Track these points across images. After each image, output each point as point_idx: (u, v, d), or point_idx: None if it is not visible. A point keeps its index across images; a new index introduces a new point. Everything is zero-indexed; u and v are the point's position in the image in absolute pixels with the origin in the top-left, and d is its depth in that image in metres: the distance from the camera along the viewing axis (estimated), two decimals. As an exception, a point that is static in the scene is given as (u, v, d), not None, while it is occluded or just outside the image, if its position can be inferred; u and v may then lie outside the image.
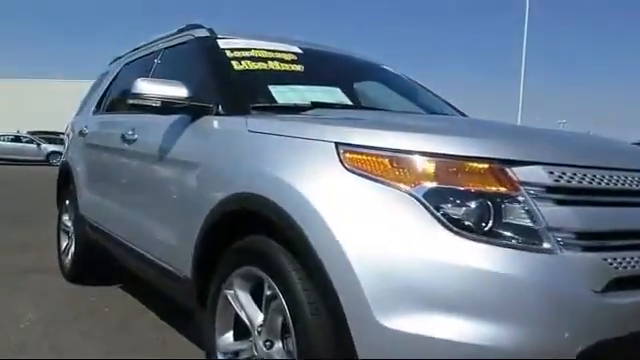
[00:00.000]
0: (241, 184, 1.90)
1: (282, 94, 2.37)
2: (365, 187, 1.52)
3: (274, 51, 2.77)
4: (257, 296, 1.86)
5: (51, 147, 27.11)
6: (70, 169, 3.98)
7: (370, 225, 1.47)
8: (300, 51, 2.86)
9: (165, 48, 3.20)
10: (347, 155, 1.59)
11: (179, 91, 2.35)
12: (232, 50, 2.66)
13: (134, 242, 2.78)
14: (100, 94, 4.01)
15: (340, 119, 1.99)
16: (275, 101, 2.33)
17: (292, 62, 2.71)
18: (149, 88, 2.32)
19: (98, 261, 3.87)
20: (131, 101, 2.36)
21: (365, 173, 1.54)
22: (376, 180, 1.51)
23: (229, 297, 1.94)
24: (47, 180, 6.24)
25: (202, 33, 2.88)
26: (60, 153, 26.20)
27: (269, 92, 2.38)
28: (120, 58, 4.33)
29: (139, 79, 2.37)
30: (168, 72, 3.10)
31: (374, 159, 1.54)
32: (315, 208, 1.56)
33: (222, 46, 2.70)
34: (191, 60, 2.80)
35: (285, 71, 2.64)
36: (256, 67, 2.57)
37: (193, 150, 2.28)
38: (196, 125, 2.33)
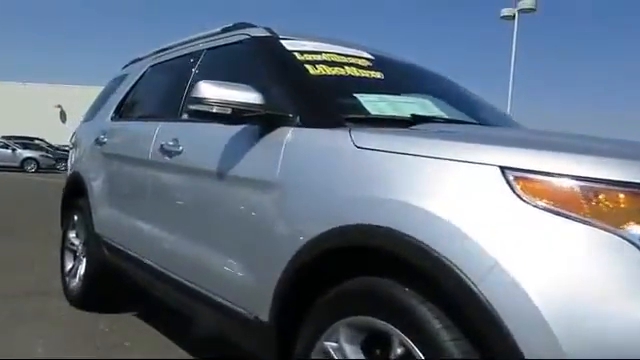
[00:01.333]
0: (355, 213, 1.54)
1: (373, 104, 2.03)
2: (555, 224, 1.18)
3: (346, 55, 2.43)
4: (368, 349, 1.51)
5: (26, 153, 26.18)
6: (82, 182, 3.55)
7: (573, 274, 1.13)
8: (372, 57, 2.53)
9: (208, 49, 2.83)
10: (523, 183, 1.25)
11: (252, 97, 1.99)
12: (301, 53, 2.31)
13: (177, 272, 2.38)
14: (119, 99, 3.60)
15: (491, 137, 1.65)
16: (367, 112, 1.98)
17: (369, 68, 2.37)
18: (216, 92, 1.95)
19: (113, 286, 3.44)
20: (193, 107, 1.99)
21: (553, 207, 1.20)
22: (570, 217, 1.18)
23: (331, 351, 1.57)
24: (26, 187, 5.77)
25: (260, 32, 2.53)
26: (35, 159, 25.13)
27: (358, 101, 2.03)
28: (140, 60, 3.94)
29: (202, 82, 2.00)
30: (216, 75, 2.72)
31: (566, 190, 1.21)
32: (483, 248, 1.22)
33: (289, 48, 2.35)
34: (249, 62, 2.44)
35: (366, 78, 2.30)
36: (334, 72, 2.22)
37: (268, 167, 1.91)
38: (271, 137, 1.97)
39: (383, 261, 1.46)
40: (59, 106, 47.47)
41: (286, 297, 1.73)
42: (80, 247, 3.69)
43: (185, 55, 3.05)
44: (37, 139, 30.29)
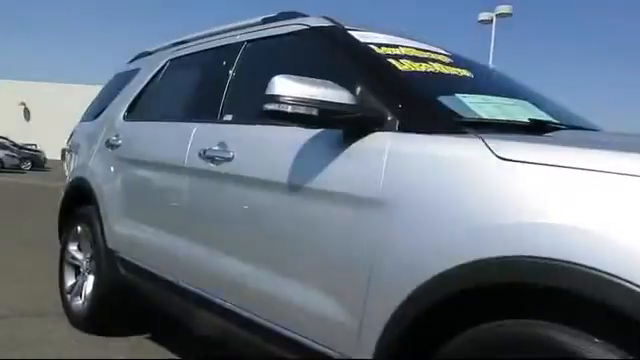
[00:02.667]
0: (502, 242, 1.24)
1: (478, 106, 1.72)
2: None
3: (424, 50, 2.13)
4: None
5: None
6: (90, 189, 3.14)
7: None
8: (449, 52, 2.24)
9: (249, 41, 2.48)
10: None
11: (342, 96, 1.66)
12: (378, 46, 2.00)
13: (229, 299, 2.02)
14: (132, 96, 3.20)
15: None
16: (477, 115, 1.68)
17: (453, 65, 2.07)
18: (298, 90, 1.62)
19: (126, 309, 3.05)
20: (270, 107, 1.65)
21: None
22: None
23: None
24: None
25: (321, 22, 2.20)
26: (-1, 160, 23.78)
27: (462, 102, 1.72)
28: (149, 54, 3.55)
29: (280, 77, 1.66)
30: (265, 71, 2.38)
31: None
32: None
33: (362, 40, 2.03)
34: (311, 56, 2.12)
35: (456, 76, 2.01)
36: (423, 69, 1.91)
37: (365, 181, 1.58)
38: (364, 144, 1.64)
39: (532, 300, 1.18)
40: (23, 103, 45.77)
41: (400, 343, 1.41)
42: (85, 262, 3.28)
43: (217, 48, 2.69)
44: (0, 137, 28.97)
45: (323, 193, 1.70)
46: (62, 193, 3.81)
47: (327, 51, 2.05)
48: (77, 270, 3.38)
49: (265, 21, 2.53)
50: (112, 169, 3.01)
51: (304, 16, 2.38)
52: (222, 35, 2.75)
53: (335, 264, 1.63)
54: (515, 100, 1.96)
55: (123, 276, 2.84)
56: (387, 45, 2.03)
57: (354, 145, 1.67)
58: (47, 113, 42.30)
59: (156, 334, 3.20)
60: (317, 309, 1.66)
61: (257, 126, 2.09)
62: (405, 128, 1.60)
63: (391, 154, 1.56)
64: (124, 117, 3.16)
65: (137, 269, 2.69)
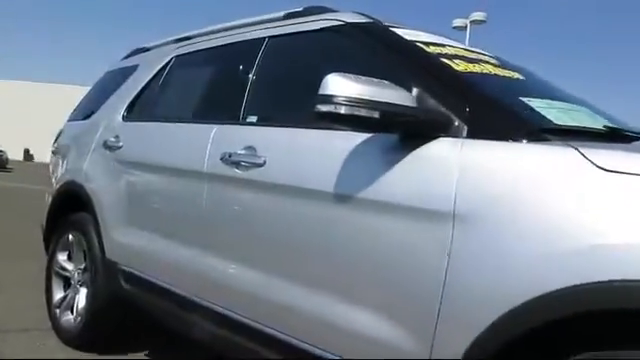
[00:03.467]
0: (610, 265, 1.10)
1: (546, 111, 1.58)
2: None
3: (471, 50, 1.99)
4: None
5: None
6: (85, 195, 2.88)
7: None
8: (490, 54, 2.10)
9: (272, 37, 2.29)
10: None
11: (404, 97, 1.50)
12: (426, 44, 1.85)
13: (267, 321, 1.82)
14: (132, 95, 2.96)
15: None
16: (549, 121, 1.54)
17: (502, 67, 1.94)
18: (356, 90, 1.45)
19: (124, 324, 2.82)
20: (324, 108, 1.47)
21: None
22: None
23: None
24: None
25: (357, 18, 2.03)
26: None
27: (531, 107, 1.58)
28: (147, 50, 3.32)
29: (333, 75, 1.49)
30: (294, 69, 2.21)
31: None
32: None
33: (408, 38, 1.88)
34: (348, 54, 1.96)
35: (510, 78, 1.87)
36: (478, 70, 1.77)
37: (433, 192, 1.42)
38: (428, 151, 1.48)
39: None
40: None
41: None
42: (77, 274, 3.02)
43: (233, 45, 2.49)
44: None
45: (381, 205, 1.53)
46: (48, 198, 3.54)
47: (370, 49, 1.89)
48: (67, 282, 3.12)
49: (288, 16, 2.35)
50: (112, 173, 2.77)
51: (332, 11, 2.21)
52: (237, 31, 2.55)
53: (396, 285, 1.47)
54: (574, 105, 1.83)
55: (124, 289, 2.60)
56: (434, 44, 1.88)
57: (416, 152, 1.50)
58: (8, 112, 40.85)
59: (155, 351, 2.97)
60: (373, 334, 1.49)
61: (294, 129, 1.91)
62: (475, 134, 1.45)
63: (465, 163, 1.40)
64: (123, 117, 2.92)
65: (142, 282, 2.46)
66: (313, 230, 1.73)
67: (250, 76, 2.24)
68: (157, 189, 2.50)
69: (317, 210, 1.71)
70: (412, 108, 1.50)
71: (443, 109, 1.52)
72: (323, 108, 1.47)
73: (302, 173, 1.79)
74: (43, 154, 31.02)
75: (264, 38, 2.32)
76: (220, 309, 2.01)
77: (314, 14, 2.23)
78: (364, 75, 1.56)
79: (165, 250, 2.34)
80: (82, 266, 2.99)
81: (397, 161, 1.53)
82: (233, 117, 2.20)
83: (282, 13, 2.39)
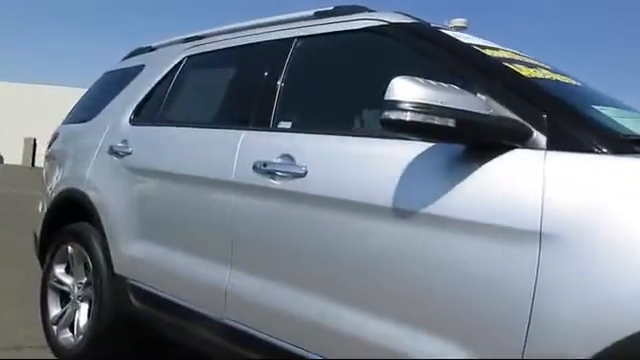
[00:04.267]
0: None
1: (621, 120, 1.47)
2: None
3: (522, 54, 1.88)
4: None
5: None
6: (89, 204, 2.67)
7: None
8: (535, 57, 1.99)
9: (301, 37, 2.13)
10: None
11: (476, 104, 1.37)
12: (482, 47, 1.73)
13: (310, 346, 1.66)
14: (140, 97, 2.76)
15: None
16: (628, 130, 1.42)
17: (556, 72, 1.82)
18: (427, 95, 1.32)
19: (133, 344, 2.63)
20: (393, 116, 1.33)
21: None
22: None
23: None
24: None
25: (400, 18, 1.90)
26: None
27: (605, 116, 1.47)
28: (152, 50, 3.13)
29: (400, 78, 1.35)
30: (337, 71, 2.06)
31: None
32: None
33: (464, 41, 1.75)
34: (399, 56, 1.83)
35: (572, 85, 1.76)
36: (541, 75, 1.65)
37: (520, 209, 1.28)
38: (508, 164, 1.35)
39: None
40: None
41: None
42: (76, 288, 2.80)
43: (257, 45, 2.33)
44: None
45: (452, 222, 1.40)
46: (42, 205, 3.31)
47: (422, 51, 1.75)
48: (64, 297, 2.90)
49: (318, 15, 2.20)
50: (120, 181, 2.57)
51: (367, 10, 2.08)
52: (258, 30, 2.39)
53: (473, 310, 1.33)
54: (634, 112, 1.73)
55: (133, 306, 2.41)
56: (490, 47, 1.76)
57: (491, 164, 1.37)
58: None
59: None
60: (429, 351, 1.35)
61: (338, 136, 1.76)
62: (556, 146, 1.33)
63: (551, 177, 1.27)
64: (130, 121, 2.73)
65: (156, 299, 2.28)
66: (366, 249, 1.58)
67: (279, 79, 2.08)
68: (174, 199, 2.31)
69: (373, 227, 1.57)
70: (487, 116, 1.37)
71: (518, 118, 1.40)
72: (392, 115, 1.33)
73: (352, 185, 1.63)
74: (13, 156, 30.10)
75: (292, 38, 2.16)
76: (252, 331, 1.85)
77: (347, 13, 2.09)
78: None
79: (184, 265, 2.16)
80: (83, 280, 2.78)
81: (467, 174, 1.40)
82: (262, 122, 2.04)
83: (311, 12, 2.24)
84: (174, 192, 2.31)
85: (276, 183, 1.83)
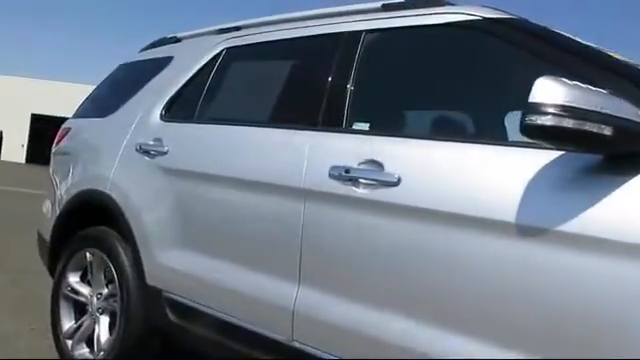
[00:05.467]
0: None
1: None
2: None
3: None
4: None
5: None
6: (117, 207, 2.41)
7: None
8: None
9: (370, 31, 1.95)
10: None
11: (629, 110, 1.22)
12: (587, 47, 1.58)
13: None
14: (172, 91, 2.52)
15: None
16: None
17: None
18: (585, 99, 1.16)
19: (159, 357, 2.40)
20: (540, 121, 1.16)
21: None
22: None
23: None
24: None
25: (494, 13, 1.73)
26: None
27: None
28: (177, 41, 2.90)
29: (544, 78, 1.19)
30: (415, 70, 1.89)
31: None
32: None
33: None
34: (497, 54, 1.66)
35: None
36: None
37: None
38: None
39: None
40: None
41: None
42: (95, 299, 2.55)
43: (313, 37, 2.13)
44: None
45: (591, 242, 1.24)
46: (49, 207, 3.04)
47: (529, 49, 1.59)
48: (79, 308, 2.65)
49: (387, 7, 2.02)
50: (153, 183, 2.32)
51: (445, 3, 1.91)
52: (313, 22, 2.19)
53: (613, 334, 1.18)
54: None
55: (170, 322, 2.19)
56: (593, 47, 1.61)
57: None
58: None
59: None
60: None
61: (437, 142, 1.59)
62: None
63: None
64: (162, 117, 2.49)
65: (202, 316, 2.05)
66: (476, 269, 1.41)
67: (349, 76, 1.89)
68: (225, 205, 2.08)
69: (488, 245, 1.39)
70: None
71: None
72: (539, 120, 1.17)
73: (460, 196, 1.46)
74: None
75: (361, 32, 1.97)
76: (327, 356, 1.66)
77: (419, 6, 1.92)
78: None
79: (238, 280, 1.94)
80: (103, 290, 2.53)
81: (608, 187, 1.24)
82: (332, 123, 1.85)
83: (379, 4, 2.05)
84: (224, 198, 2.08)
85: (360, 192, 1.64)
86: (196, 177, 2.18)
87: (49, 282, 3.59)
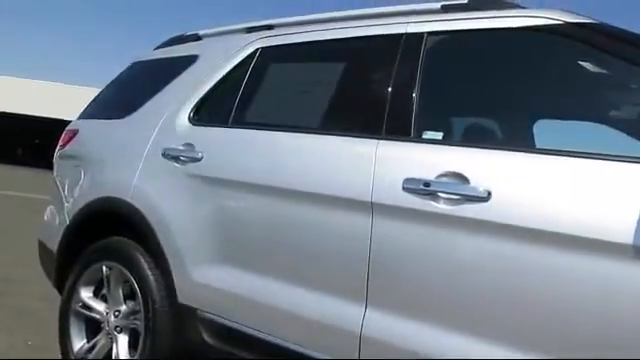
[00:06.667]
0: None
1: None
2: None
3: None
4: None
5: None
6: (141, 217, 2.21)
7: None
8: None
9: (435, 32, 1.82)
10: None
11: None
12: None
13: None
14: (201, 92, 2.33)
15: None
16: None
17: None
18: None
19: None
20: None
21: None
22: None
23: None
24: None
25: (574, 17, 1.63)
26: None
27: None
28: (198, 39, 2.72)
29: None
30: (491, 76, 1.76)
31: None
32: None
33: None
34: (586, 60, 1.56)
35: None
36: None
37: None
38: None
39: None
40: None
41: None
42: (112, 317, 2.34)
43: (366, 39, 1.98)
44: None
45: None
46: (52, 215, 2.82)
47: (615, 53, 1.49)
48: (92, 326, 2.44)
49: (447, 9, 1.90)
50: (186, 192, 2.14)
51: (512, 6, 1.80)
52: (363, 23, 2.05)
53: None
54: None
55: (206, 344, 2.01)
56: None
57: None
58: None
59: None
60: None
61: (531, 154, 1.47)
62: None
63: None
64: (190, 119, 2.31)
65: (248, 339, 1.88)
66: (588, 295, 1.29)
67: (414, 81, 1.76)
68: (275, 219, 1.90)
69: (601, 269, 1.28)
70: None
71: None
72: None
73: (560, 213, 1.34)
74: None
75: (422, 34, 1.85)
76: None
77: (484, 9, 1.80)
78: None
79: (291, 300, 1.78)
80: (121, 307, 2.33)
81: None
82: (399, 131, 1.71)
83: (438, 5, 1.93)
84: (272, 210, 1.91)
85: (441, 207, 1.51)
86: (238, 187, 2.01)
87: (40, 292, 3.37)
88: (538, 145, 1.66)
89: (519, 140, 1.63)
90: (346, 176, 1.72)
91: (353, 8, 2.16)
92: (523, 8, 1.78)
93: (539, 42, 1.65)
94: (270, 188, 1.91)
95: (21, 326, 3.25)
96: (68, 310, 2.49)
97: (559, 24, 1.61)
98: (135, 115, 2.56)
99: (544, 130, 1.72)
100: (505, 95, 1.75)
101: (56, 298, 2.66)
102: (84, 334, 2.45)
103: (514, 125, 1.73)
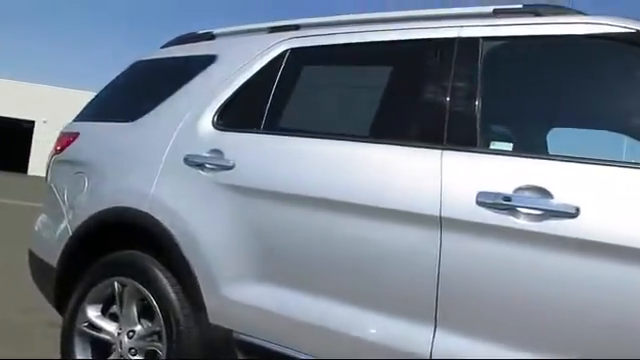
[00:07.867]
0: None
1: None
2: None
3: None
4: None
5: None
6: (163, 229, 2.03)
7: None
8: None
9: (488, 39, 1.73)
10: None
11: None
12: None
13: None
14: (224, 95, 2.16)
15: None
16: None
17: None
18: None
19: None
20: None
21: None
22: None
23: None
24: None
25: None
26: None
27: None
28: (212, 38, 2.55)
29: None
30: (562, 85, 1.69)
31: None
32: None
33: None
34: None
35: None
36: None
37: None
38: None
39: None
40: None
41: None
42: (126, 338, 2.15)
43: (413, 42, 1.88)
44: None
45: None
46: (46, 224, 2.59)
47: None
48: (101, 347, 2.23)
49: (498, 13, 1.82)
50: (216, 203, 1.97)
51: (573, 12, 1.74)
52: (406, 25, 1.95)
53: None
54: None
55: (239, 365, 1.86)
56: None
57: None
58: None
59: None
60: None
61: (621, 168, 1.40)
62: None
63: None
64: (215, 124, 2.14)
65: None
66: None
67: (475, 88, 1.67)
68: (330, 235, 1.74)
69: None
70: None
71: None
72: None
73: None
74: None
75: (476, 38, 1.76)
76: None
77: (539, 14, 1.74)
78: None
79: (349, 322, 1.65)
80: (135, 328, 2.14)
81: None
82: (462, 142, 1.62)
83: (490, 9, 1.85)
84: (327, 224, 1.76)
85: (522, 223, 1.42)
86: (282, 198, 1.85)
87: (21, 304, 3.14)
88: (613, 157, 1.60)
89: (593, 153, 1.57)
90: (409, 188, 1.61)
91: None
92: (583, 14, 1.72)
93: (611, 50, 1.59)
94: (320, 200, 1.77)
95: (5, 344, 3.00)
96: (72, 330, 2.28)
97: (630, 33, 1.55)
98: (146, 118, 2.37)
99: (616, 143, 1.66)
100: (574, 104, 1.69)
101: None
102: (89, 354, 2.25)
103: (588, 136, 1.67)
